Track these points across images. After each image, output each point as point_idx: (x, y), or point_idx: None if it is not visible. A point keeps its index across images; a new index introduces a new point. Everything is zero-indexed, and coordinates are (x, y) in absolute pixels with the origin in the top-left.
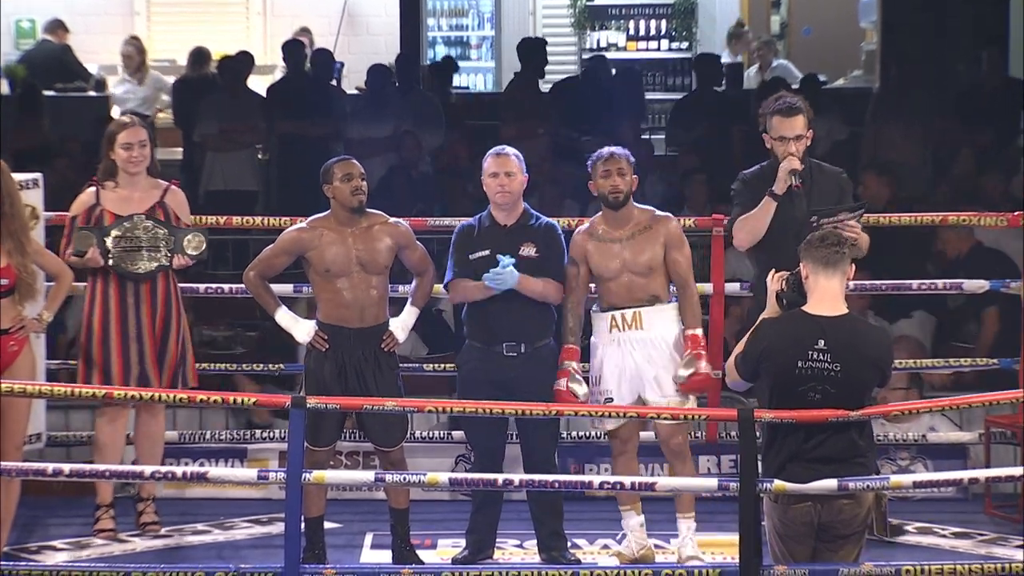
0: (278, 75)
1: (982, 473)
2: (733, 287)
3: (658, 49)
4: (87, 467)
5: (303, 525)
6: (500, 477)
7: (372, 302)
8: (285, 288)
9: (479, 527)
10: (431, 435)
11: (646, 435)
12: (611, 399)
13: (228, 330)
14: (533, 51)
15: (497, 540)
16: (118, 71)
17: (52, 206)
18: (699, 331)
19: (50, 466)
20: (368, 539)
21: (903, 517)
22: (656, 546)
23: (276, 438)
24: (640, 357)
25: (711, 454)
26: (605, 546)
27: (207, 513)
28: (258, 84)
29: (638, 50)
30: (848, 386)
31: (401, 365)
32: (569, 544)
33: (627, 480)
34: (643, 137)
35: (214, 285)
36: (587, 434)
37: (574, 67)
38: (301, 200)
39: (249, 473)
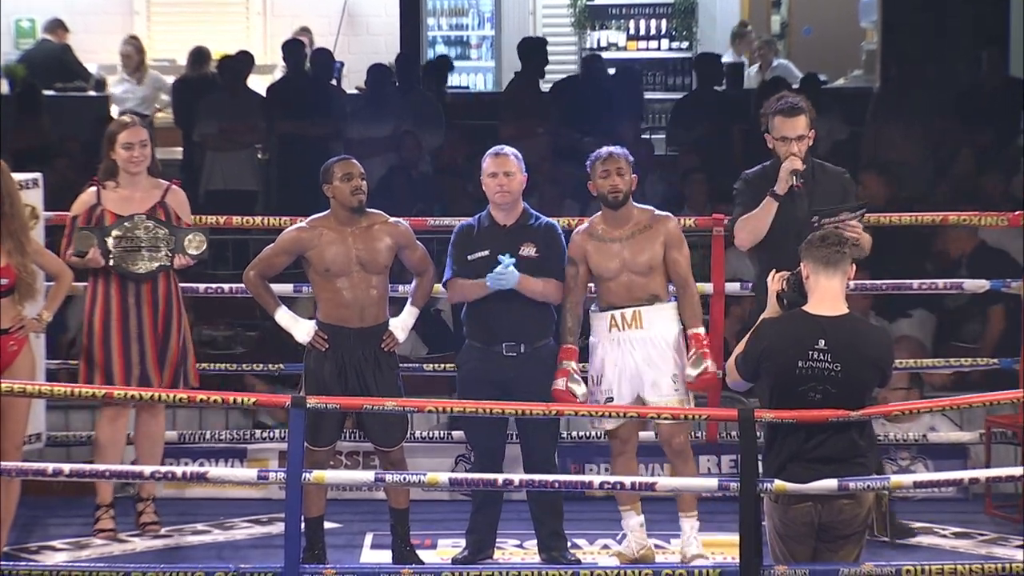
0: (278, 75)
1: (982, 473)
2: (733, 287)
3: (658, 49)
4: (87, 467)
5: (303, 525)
6: (500, 477)
7: (372, 302)
8: (285, 288)
9: (479, 527)
10: (431, 435)
11: (646, 435)
12: (611, 399)
13: (228, 330)
14: (533, 51)
15: (497, 540)
16: (118, 71)
17: (52, 206)
18: (702, 330)
19: (50, 466)
20: (368, 539)
21: (903, 517)
22: (656, 546)
23: (276, 438)
24: (640, 356)
25: (711, 454)
26: (605, 546)
27: (207, 513)
28: (258, 84)
29: (638, 50)
30: (848, 386)
31: (401, 365)
32: (569, 544)
33: (627, 480)
34: (643, 137)
35: (214, 285)
36: (587, 434)
37: (574, 67)
38: (301, 200)
39: (249, 473)
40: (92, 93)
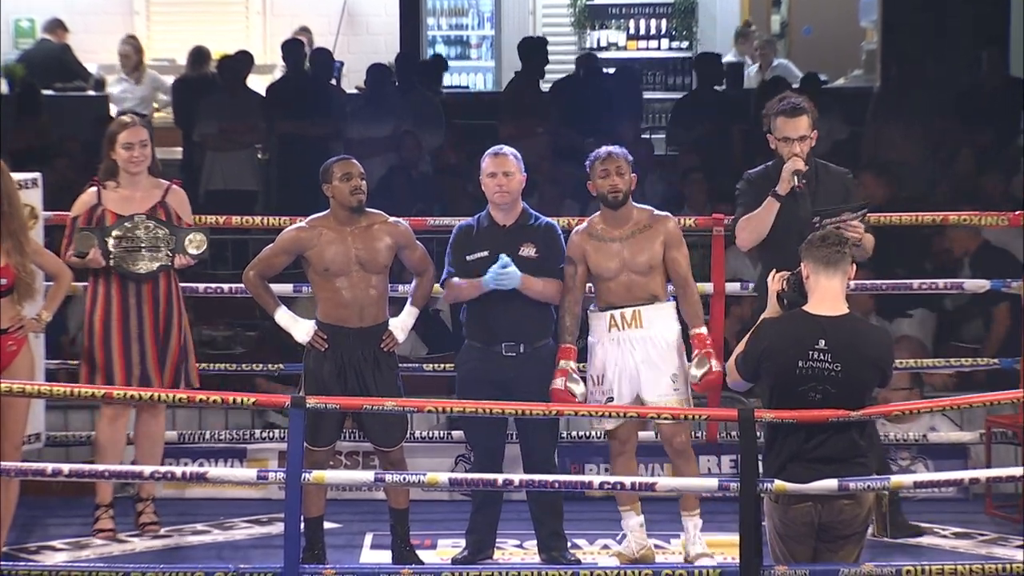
0: (278, 74)
1: (983, 473)
2: (733, 287)
3: (658, 48)
4: (86, 467)
5: (303, 525)
6: (500, 477)
7: (371, 301)
8: (285, 288)
9: (479, 527)
10: (431, 435)
11: (646, 435)
12: (612, 399)
13: (228, 330)
14: (534, 51)
15: (497, 540)
16: (117, 70)
17: (51, 206)
18: (704, 330)
19: (49, 466)
20: (368, 539)
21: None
22: (656, 546)
23: (276, 438)
24: (639, 356)
25: (711, 454)
26: (605, 546)
27: (207, 513)
28: (258, 84)
29: (638, 49)
30: (849, 386)
31: (401, 365)
32: (569, 544)
33: (627, 480)
34: (643, 137)
35: (213, 285)
36: (586, 434)
37: (574, 67)
38: (301, 200)
39: (249, 473)
40: (92, 93)
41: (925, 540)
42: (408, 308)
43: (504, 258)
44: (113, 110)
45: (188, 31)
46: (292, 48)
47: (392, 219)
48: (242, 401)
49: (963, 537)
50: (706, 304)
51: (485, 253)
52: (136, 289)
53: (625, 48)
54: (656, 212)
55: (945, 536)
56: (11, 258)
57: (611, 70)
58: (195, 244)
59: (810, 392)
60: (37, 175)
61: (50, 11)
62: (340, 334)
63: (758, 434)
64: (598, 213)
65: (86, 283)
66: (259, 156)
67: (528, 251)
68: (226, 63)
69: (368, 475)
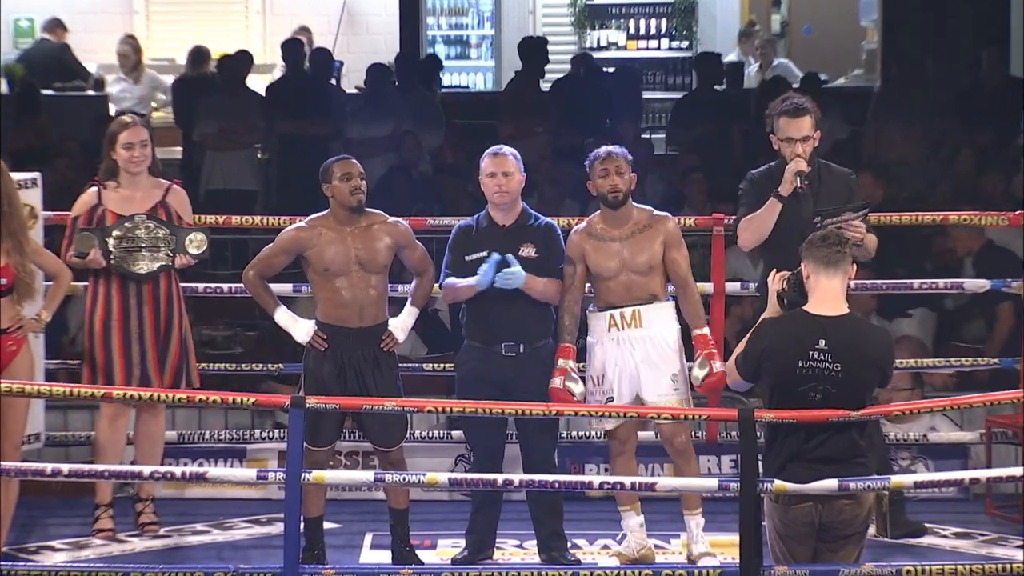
0: (277, 74)
1: (983, 473)
2: (733, 287)
3: (658, 48)
4: (86, 467)
5: (302, 525)
6: (500, 477)
7: (371, 301)
8: (284, 288)
9: (479, 527)
10: (431, 435)
11: (646, 435)
12: (612, 399)
13: (227, 330)
14: (534, 50)
15: (497, 540)
16: (116, 70)
17: (51, 206)
18: (706, 330)
19: (49, 466)
20: (368, 539)
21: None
22: (656, 546)
23: (275, 438)
24: (639, 356)
25: (711, 454)
26: (605, 546)
27: (206, 513)
28: (257, 83)
29: (638, 49)
30: (849, 386)
31: (400, 365)
32: (569, 544)
33: (627, 480)
34: (643, 136)
35: (213, 285)
36: (586, 434)
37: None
38: (301, 200)
39: (248, 473)
40: (91, 93)
41: (925, 540)
42: (408, 308)
43: (496, 255)
44: (112, 110)
45: (188, 31)
46: (292, 48)
47: (392, 219)
48: (242, 401)
49: (963, 537)
50: (706, 304)
51: (485, 253)
52: (136, 289)
53: (625, 48)
54: (656, 212)
55: (945, 536)
56: (11, 258)
57: (611, 70)
58: (195, 244)
59: (810, 392)
60: (37, 175)
61: (49, 11)
62: (340, 334)
63: (758, 434)
64: (598, 213)
65: (86, 283)
66: (259, 156)
67: (528, 251)
68: (226, 63)
69: (368, 475)
